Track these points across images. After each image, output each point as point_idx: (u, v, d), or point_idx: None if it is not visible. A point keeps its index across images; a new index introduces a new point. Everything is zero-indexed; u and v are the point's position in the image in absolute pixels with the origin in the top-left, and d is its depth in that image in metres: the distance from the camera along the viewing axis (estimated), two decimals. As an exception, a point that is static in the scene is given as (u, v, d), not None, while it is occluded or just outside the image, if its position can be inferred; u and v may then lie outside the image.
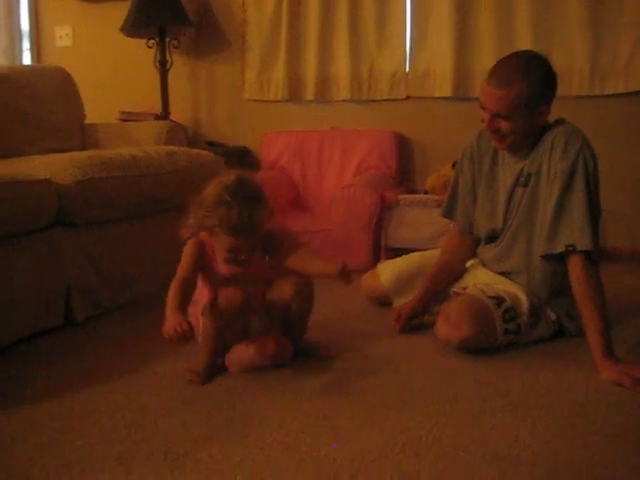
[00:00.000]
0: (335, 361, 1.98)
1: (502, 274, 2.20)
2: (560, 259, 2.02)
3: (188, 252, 1.84)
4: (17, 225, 2.06)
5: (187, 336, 1.60)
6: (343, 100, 3.85)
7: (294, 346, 1.95)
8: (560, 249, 1.99)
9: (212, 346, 1.84)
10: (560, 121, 2.08)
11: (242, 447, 1.46)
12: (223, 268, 1.84)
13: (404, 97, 3.77)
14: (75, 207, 2.29)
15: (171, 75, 3.92)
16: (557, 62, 1.99)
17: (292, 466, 1.37)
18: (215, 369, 1.87)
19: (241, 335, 1.88)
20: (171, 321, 1.62)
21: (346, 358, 2.00)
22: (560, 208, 1.99)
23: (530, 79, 1.96)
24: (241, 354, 1.88)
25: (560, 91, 2.08)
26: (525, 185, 2.09)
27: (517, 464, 1.38)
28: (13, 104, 2.94)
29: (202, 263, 1.84)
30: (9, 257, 2.06)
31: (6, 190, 2.00)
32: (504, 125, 2.00)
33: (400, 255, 2.64)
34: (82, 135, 3.30)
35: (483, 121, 2.05)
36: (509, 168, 2.15)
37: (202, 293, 1.87)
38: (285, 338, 1.93)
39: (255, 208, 1.73)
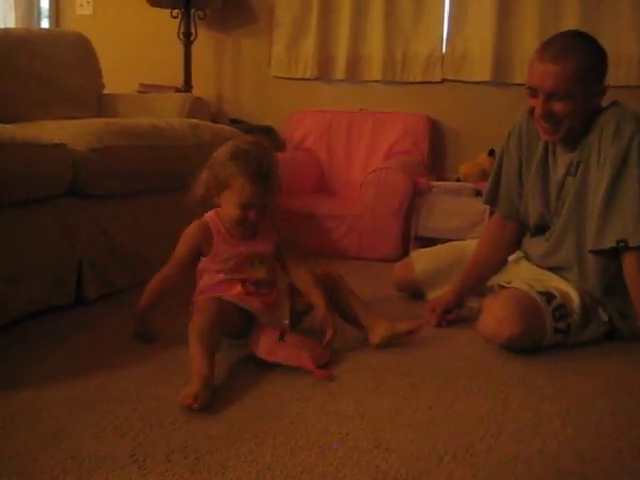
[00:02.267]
0: (369, 358, 1.80)
1: (551, 270, 2.04)
2: (613, 253, 1.85)
3: (189, 235, 1.79)
4: (27, 192, 1.92)
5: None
6: (375, 81, 3.66)
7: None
8: (610, 244, 1.82)
9: (206, 365, 1.53)
10: (612, 104, 1.90)
11: (271, 448, 1.29)
12: (225, 250, 1.77)
13: (439, 80, 3.58)
14: (90, 177, 2.14)
15: (195, 48, 3.75)
16: (606, 49, 1.86)
17: (330, 472, 1.20)
18: (212, 385, 1.53)
19: (240, 331, 1.76)
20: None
21: (380, 354, 1.83)
22: (610, 198, 1.81)
23: (585, 53, 1.81)
24: (286, 352, 1.68)
25: (607, 80, 1.90)
26: (574, 174, 1.92)
27: (586, 483, 1.21)
28: (28, 68, 2.78)
29: (203, 248, 1.79)
30: (18, 226, 1.91)
31: (17, 153, 1.85)
32: (560, 107, 1.82)
33: (429, 246, 2.47)
34: (100, 105, 3.14)
35: (533, 109, 1.87)
36: (561, 157, 1.98)
37: (203, 281, 1.81)
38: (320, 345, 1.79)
39: (271, 159, 1.73)
